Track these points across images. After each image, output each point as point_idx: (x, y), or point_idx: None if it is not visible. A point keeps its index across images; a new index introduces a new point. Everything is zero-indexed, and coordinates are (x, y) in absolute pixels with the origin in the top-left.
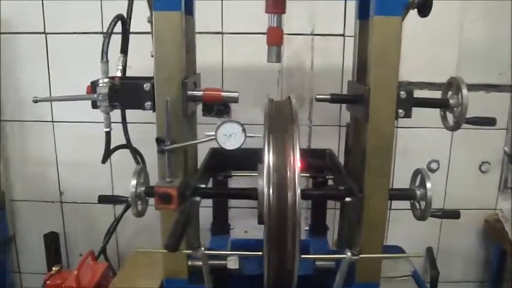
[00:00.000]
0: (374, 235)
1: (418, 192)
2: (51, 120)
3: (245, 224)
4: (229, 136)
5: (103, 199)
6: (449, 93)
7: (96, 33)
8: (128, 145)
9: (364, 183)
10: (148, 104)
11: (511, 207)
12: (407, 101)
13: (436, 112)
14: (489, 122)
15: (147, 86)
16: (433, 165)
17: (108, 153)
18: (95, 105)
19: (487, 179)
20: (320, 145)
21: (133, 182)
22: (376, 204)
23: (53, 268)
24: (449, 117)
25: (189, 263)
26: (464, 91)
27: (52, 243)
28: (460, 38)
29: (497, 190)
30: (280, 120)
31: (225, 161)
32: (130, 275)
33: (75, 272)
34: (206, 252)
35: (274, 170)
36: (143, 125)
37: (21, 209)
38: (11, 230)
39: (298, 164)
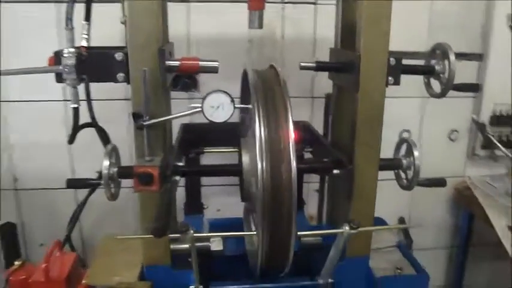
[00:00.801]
0: (365, 207)
1: (404, 162)
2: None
3: (217, 202)
4: (217, 108)
5: (72, 183)
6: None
7: (50, 1)
8: (93, 123)
9: (355, 155)
10: (120, 75)
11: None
12: (397, 68)
13: (406, 82)
14: (473, 88)
15: (119, 56)
16: (405, 135)
17: (75, 132)
18: (59, 79)
19: (455, 146)
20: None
21: (106, 162)
22: (366, 175)
23: (15, 262)
24: (434, 84)
25: (171, 247)
26: (452, 57)
27: (9, 235)
28: (431, 6)
29: (465, 157)
30: (267, 90)
31: (197, 137)
32: (105, 264)
33: (43, 265)
34: (195, 235)
35: (267, 142)
36: (104, 102)
37: None
38: None
39: (292, 135)
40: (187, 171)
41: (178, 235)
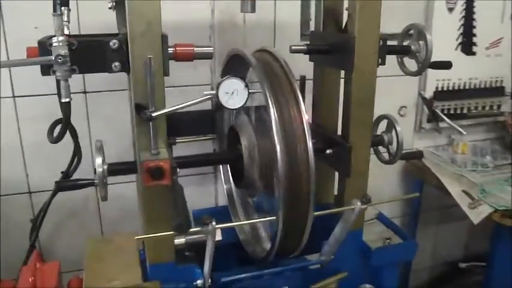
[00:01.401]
0: (360, 183)
1: (386, 138)
2: None
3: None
4: (232, 94)
5: (63, 187)
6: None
7: None
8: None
9: (350, 134)
10: (116, 64)
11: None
12: (383, 49)
13: None
14: (447, 65)
15: (114, 44)
16: None
17: (65, 130)
18: (45, 71)
19: (405, 121)
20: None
21: (99, 159)
22: (361, 152)
23: None
24: (408, 62)
25: (175, 242)
26: (429, 36)
27: None
28: None
29: (413, 131)
30: (270, 73)
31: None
32: (99, 269)
33: (30, 279)
34: (217, 226)
35: (282, 125)
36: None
37: None
38: None
39: (305, 116)
40: (189, 162)
41: (198, 229)
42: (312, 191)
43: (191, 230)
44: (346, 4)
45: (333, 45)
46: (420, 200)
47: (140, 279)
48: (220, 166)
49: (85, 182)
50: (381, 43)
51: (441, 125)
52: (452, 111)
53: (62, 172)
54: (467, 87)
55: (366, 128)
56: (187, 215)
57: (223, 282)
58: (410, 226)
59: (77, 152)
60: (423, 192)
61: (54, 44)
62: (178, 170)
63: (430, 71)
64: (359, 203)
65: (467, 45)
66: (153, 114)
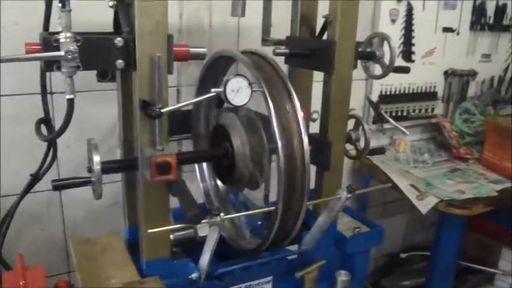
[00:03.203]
0: (336, 177)
1: (353, 135)
2: None
3: None
4: (237, 91)
5: (60, 185)
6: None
7: None
8: (47, 118)
9: (329, 131)
10: (120, 62)
11: None
12: (356, 54)
13: None
14: (406, 70)
15: (119, 42)
16: (315, 115)
17: (66, 126)
18: (49, 67)
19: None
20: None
21: (97, 157)
22: (338, 148)
23: None
24: (372, 67)
25: (171, 237)
26: (392, 43)
27: None
28: None
29: None
30: (266, 72)
31: None
32: (91, 269)
33: (21, 283)
34: (225, 217)
35: (280, 122)
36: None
37: None
38: None
39: (300, 112)
40: (186, 158)
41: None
42: (307, 184)
43: (203, 221)
44: (320, 11)
45: (313, 50)
46: (367, 195)
47: (137, 275)
48: (196, 165)
49: (82, 180)
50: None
51: (385, 126)
52: (394, 114)
53: (31, 175)
54: (407, 91)
55: (343, 124)
56: (198, 206)
57: (218, 273)
58: None
59: (54, 152)
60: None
61: (61, 40)
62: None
63: None
64: (345, 193)
65: (407, 53)
66: (162, 111)
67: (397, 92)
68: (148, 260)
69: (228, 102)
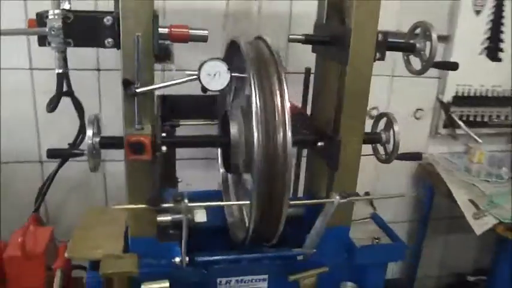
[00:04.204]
0: (349, 179)
1: (384, 136)
2: None
3: (187, 176)
4: (213, 76)
5: (53, 153)
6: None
7: None
8: (69, 92)
9: (341, 128)
10: (109, 41)
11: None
12: (383, 44)
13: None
14: (453, 66)
15: (108, 20)
16: (374, 112)
17: (58, 100)
18: (42, 42)
19: (420, 125)
20: None
21: (90, 132)
22: (351, 147)
23: None
24: (413, 61)
25: (158, 219)
26: (434, 35)
27: None
28: None
29: (428, 135)
30: (261, 60)
31: (172, 110)
32: (87, 237)
33: (19, 240)
34: (189, 204)
35: (262, 112)
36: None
37: None
38: None
39: (287, 104)
40: (176, 141)
41: (170, 205)
42: (287, 180)
43: (164, 205)
44: None
45: (331, 37)
46: (430, 206)
47: (120, 250)
48: (219, 151)
49: (75, 152)
50: (381, 38)
51: (458, 131)
52: (471, 118)
53: (69, 144)
54: (489, 94)
55: (358, 122)
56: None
57: (199, 261)
58: (419, 233)
59: (81, 126)
60: (434, 199)
61: (50, 17)
62: (164, 148)
63: (451, 75)
64: (338, 197)
65: (493, 50)
66: (137, 90)
67: (476, 94)
68: (133, 237)
69: (203, 86)
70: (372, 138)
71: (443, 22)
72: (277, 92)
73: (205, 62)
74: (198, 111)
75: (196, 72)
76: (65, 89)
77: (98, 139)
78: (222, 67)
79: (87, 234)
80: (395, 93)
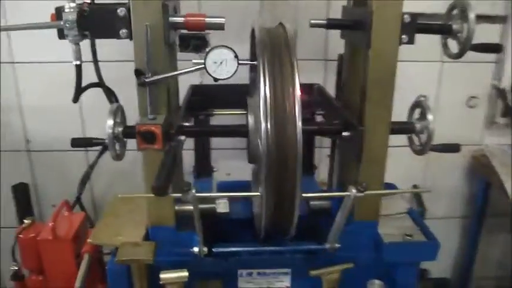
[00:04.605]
0: (375, 171)
1: (418, 126)
2: (11, 61)
3: (227, 165)
4: (220, 64)
5: (77, 142)
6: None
7: None
8: (100, 83)
9: (365, 116)
10: (123, 31)
11: None
12: (411, 26)
13: (423, 44)
14: (495, 48)
15: (121, 11)
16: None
17: (79, 90)
18: (61, 35)
19: (474, 113)
20: (305, 81)
21: (110, 121)
22: (377, 137)
23: (25, 221)
24: (451, 44)
25: (176, 208)
26: (471, 14)
27: (22, 194)
28: None
29: (484, 125)
30: (274, 47)
31: (206, 99)
32: (111, 224)
33: (50, 224)
34: (197, 194)
35: (272, 101)
36: (114, 64)
37: None
38: None
39: (298, 93)
40: (191, 130)
41: (180, 195)
42: (298, 171)
43: (171, 195)
44: None
45: (354, 21)
46: (485, 201)
47: (141, 238)
48: None
49: (98, 141)
50: (409, 20)
51: None
52: None
53: None
54: None
55: (384, 110)
56: (169, 180)
57: (218, 252)
58: (472, 230)
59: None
60: (490, 194)
61: (66, 10)
62: (184, 137)
63: (508, 59)
64: (354, 191)
65: None
66: (147, 80)
67: None
68: (152, 226)
69: (210, 75)
70: (403, 128)
71: (501, 1)
72: (289, 79)
73: (211, 49)
74: (232, 100)
75: (202, 61)
76: (96, 80)
77: (121, 128)
78: (229, 54)
79: (112, 221)
80: (446, 80)
